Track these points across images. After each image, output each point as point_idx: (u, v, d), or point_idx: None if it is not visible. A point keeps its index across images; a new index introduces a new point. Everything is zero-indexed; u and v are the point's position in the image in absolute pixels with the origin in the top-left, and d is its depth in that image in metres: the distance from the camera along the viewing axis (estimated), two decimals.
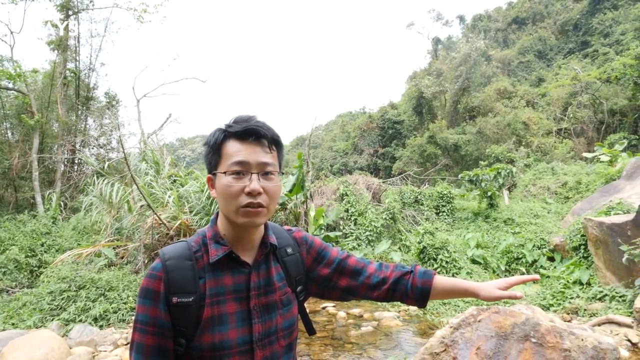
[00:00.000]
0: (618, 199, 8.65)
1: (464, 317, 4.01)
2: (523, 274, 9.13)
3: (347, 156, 30.09)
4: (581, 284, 7.11)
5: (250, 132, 1.16)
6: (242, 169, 1.15)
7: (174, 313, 1.12)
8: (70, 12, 14.95)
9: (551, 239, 9.34)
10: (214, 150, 1.19)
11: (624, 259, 6.16)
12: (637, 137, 21.31)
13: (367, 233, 9.96)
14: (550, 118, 25.72)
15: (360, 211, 10.54)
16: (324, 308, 7.97)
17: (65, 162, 14.34)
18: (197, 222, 9.26)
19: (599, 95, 23.85)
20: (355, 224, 10.32)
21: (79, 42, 15.52)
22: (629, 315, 5.83)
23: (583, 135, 23.65)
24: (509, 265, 9.42)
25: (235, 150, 1.16)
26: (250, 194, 1.13)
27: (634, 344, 5.29)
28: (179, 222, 9.05)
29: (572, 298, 6.76)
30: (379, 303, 8.11)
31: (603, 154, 17.08)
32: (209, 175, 1.23)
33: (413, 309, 7.67)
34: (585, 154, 18.32)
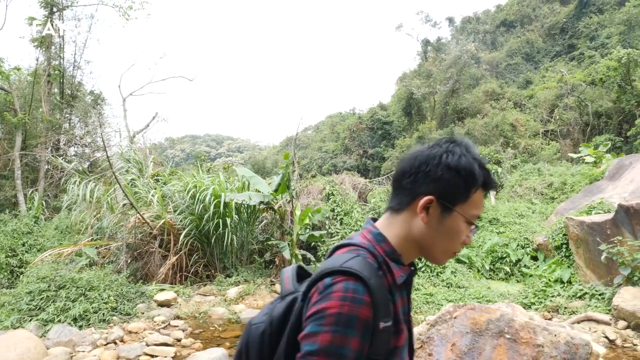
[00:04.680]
0: (600, 198, 8.75)
1: (440, 314, 4.01)
2: (507, 272, 9.19)
3: (336, 156, 30.11)
4: (562, 282, 7.17)
5: (493, 188, 1.13)
6: (475, 222, 1.11)
7: (375, 340, 0.99)
8: (54, 9, 14.78)
9: (535, 239, 9.41)
10: (465, 188, 1.06)
11: (602, 258, 6.22)
12: (621, 139, 21.59)
13: (353, 232, 9.94)
14: (537, 120, 25.97)
15: (346, 211, 10.53)
16: None
17: (49, 161, 14.18)
18: (180, 221, 9.19)
19: (584, 98, 24.14)
20: (341, 224, 10.31)
21: (63, 39, 15.37)
22: (608, 313, 5.89)
23: (569, 136, 23.91)
24: (494, 265, 9.48)
25: (479, 201, 1.10)
26: (463, 243, 1.11)
27: (611, 341, 5.35)
28: (162, 221, 8.98)
29: (553, 296, 6.81)
30: None
31: (588, 155, 17.28)
32: (432, 197, 1.06)
33: None
34: (571, 155, 18.53)
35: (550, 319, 6.23)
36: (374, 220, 1.17)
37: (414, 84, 30.13)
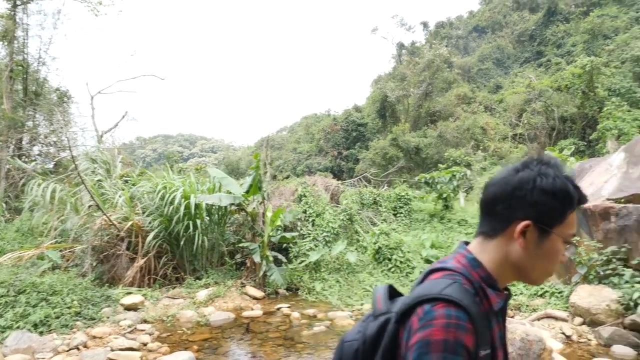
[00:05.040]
0: None
1: None
2: None
3: (310, 157, 30.16)
4: None
5: (585, 202, 1.11)
6: (572, 240, 1.11)
7: None
8: (17, 2, 14.32)
9: None
10: (561, 210, 1.06)
11: None
12: (585, 143, 22.35)
13: (325, 234, 10.00)
14: (506, 123, 26.64)
15: (318, 212, 10.57)
16: (278, 309, 7.95)
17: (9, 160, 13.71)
18: (149, 223, 9.05)
19: (551, 103, 24.88)
20: (313, 225, 10.34)
21: (27, 34, 14.89)
22: (566, 310, 6.10)
23: (536, 140, 24.59)
24: None
25: (574, 220, 1.09)
26: (560, 262, 1.10)
27: (567, 337, 5.54)
28: (130, 223, 8.82)
29: (515, 295, 7.01)
30: (333, 302, 8.16)
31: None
32: (529, 222, 1.05)
33: (366, 307, 7.75)
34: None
35: (512, 317, 6.41)
36: (466, 243, 1.16)
37: (388, 87, 30.48)
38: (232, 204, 9.38)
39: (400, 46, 42.25)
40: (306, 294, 8.55)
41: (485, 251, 1.11)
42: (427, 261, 9.61)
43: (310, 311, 7.74)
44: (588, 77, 24.16)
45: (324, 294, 8.41)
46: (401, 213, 12.34)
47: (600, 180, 9.36)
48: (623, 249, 5.98)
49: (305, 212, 10.55)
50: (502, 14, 42.56)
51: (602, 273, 5.99)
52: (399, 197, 12.54)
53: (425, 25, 45.27)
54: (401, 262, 8.82)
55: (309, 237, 9.93)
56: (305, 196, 10.89)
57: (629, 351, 5.15)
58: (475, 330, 0.97)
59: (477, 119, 25.89)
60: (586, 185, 9.82)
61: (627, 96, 23.86)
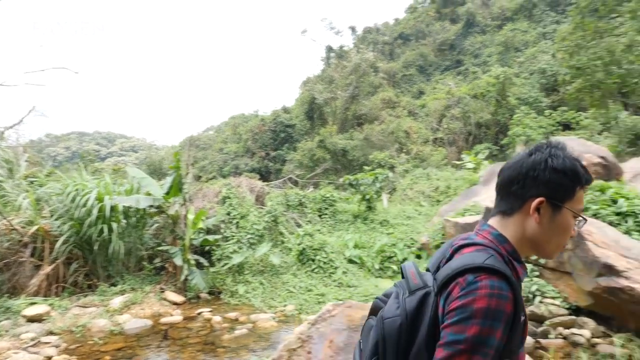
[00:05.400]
0: (474, 201, 9.67)
1: (321, 313, 4.14)
2: (394, 271, 9.76)
3: (238, 158, 29.72)
4: None
5: (591, 182, 1.24)
6: (582, 215, 1.22)
7: (514, 333, 1.09)
8: None
9: (419, 239, 10.12)
10: (571, 187, 1.19)
11: None
12: (498, 147, 24.09)
13: (249, 236, 9.89)
14: (428, 128, 27.98)
15: (242, 214, 10.43)
16: (199, 313, 7.74)
17: None
18: (58, 227, 8.41)
19: (468, 109, 26.50)
20: (237, 227, 10.18)
21: None
22: None
23: (455, 144, 26.08)
24: (383, 264, 10.00)
25: (582, 197, 1.22)
26: (571, 236, 1.22)
27: None
28: (36, 227, 8.15)
29: None
30: (257, 305, 8.09)
31: (469, 161, 19.04)
32: (543, 199, 1.18)
33: (289, 309, 7.77)
34: (454, 162, 20.25)
35: None
36: (486, 223, 1.27)
37: (316, 89, 30.84)
38: (152, 206, 8.99)
39: (329, 49, 42.94)
40: (229, 297, 8.40)
41: (506, 228, 1.22)
42: (351, 261, 9.83)
43: (232, 314, 7.62)
44: (501, 86, 26.08)
45: (247, 296, 8.31)
46: (326, 214, 12.52)
47: None
48: None
49: (229, 214, 10.36)
50: (426, 23, 44.73)
51: None
52: (324, 198, 12.72)
53: (353, 29, 46.41)
54: (324, 262, 8.95)
55: (233, 239, 9.76)
56: (229, 198, 10.69)
57: (529, 339, 5.62)
58: (515, 299, 1.07)
59: (401, 122, 26.95)
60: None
61: (535, 105, 26.01)
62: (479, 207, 8.95)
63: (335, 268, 8.92)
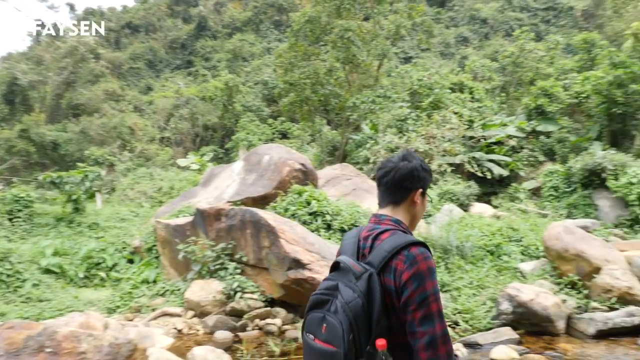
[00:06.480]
0: (190, 202, 9.75)
1: None
2: (102, 278, 8.91)
3: None
4: (149, 282, 7.54)
5: None
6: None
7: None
8: None
9: (132, 242, 9.55)
10: (430, 180, 1.73)
11: (180, 256, 6.91)
12: (223, 150, 25.28)
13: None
14: (155, 126, 27.04)
15: None
16: None
17: None
18: None
19: (196, 111, 26.89)
20: None
21: None
22: (181, 305, 6.55)
23: (182, 145, 26.04)
24: (89, 271, 8.98)
25: None
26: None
27: (179, 331, 5.96)
28: None
29: (138, 297, 7.05)
30: None
31: (194, 162, 19.32)
32: (421, 189, 1.68)
33: None
34: (178, 162, 20.17)
35: (132, 320, 6.39)
36: (376, 215, 1.68)
37: (20, 68, 25.94)
38: None
39: (42, 25, 36.54)
40: None
41: (397, 213, 1.66)
42: (48, 271, 8.49)
43: None
44: (229, 92, 27.46)
45: None
46: (19, 217, 10.50)
47: (224, 184, 10.60)
48: (230, 246, 6.91)
49: None
50: (157, 16, 43.23)
51: (212, 268, 6.75)
52: (17, 198, 10.62)
53: (72, 7, 41.07)
54: (8, 275, 7.43)
55: None
56: None
57: (228, 334, 5.95)
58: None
59: (126, 118, 25.21)
60: (213, 189, 10.94)
61: (258, 113, 28.43)
62: (192, 209, 9.06)
63: (23, 281, 7.52)
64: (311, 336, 1.50)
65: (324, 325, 1.45)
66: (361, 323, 1.42)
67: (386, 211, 1.67)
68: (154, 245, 8.32)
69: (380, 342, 1.41)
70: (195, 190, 11.92)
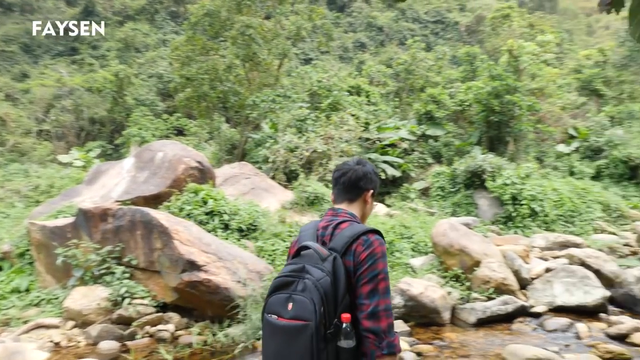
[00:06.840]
0: (71, 202, 8.89)
1: None
2: None
3: None
4: (20, 292, 6.72)
5: None
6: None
7: None
8: None
9: (1, 247, 8.45)
10: (379, 183, 2.04)
11: (59, 261, 6.26)
12: (112, 146, 23.48)
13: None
14: (32, 117, 24.31)
15: None
16: None
17: None
18: None
19: (81, 103, 24.66)
20: None
21: None
22: (60, 316, 5.94)
23: (64, 139, 23.73)
24: None
25: None
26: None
27: (56, 344, 5.40)
28: None
29: (7, 309, 6.24)
30: None
31: (78, 159, 17.67)
32: (372, 190, 1.98)
33: None
34: (60, 158, 18.35)
35: None
36: (333, 209, 1.95)
37: None
38: None
39: None
40: None
41: (352, 209, 1.93)
42: None
43: None
44: (119, 84, 25.59)
45: None
46: None
47: (112, 182, 9.85)
48: (118, 248, 6.41)
49: None
50: None
51: (97, 273, 6.20)
52: None
53: None
54: None
55: None
56: None
57: (114, 344, 5.49)
58: None
59: None
60: (99, 187, 10.12)
61: (152, 107, 26.87)
62: (74, 209, 8.26)
63: None
64: (274, 316, 1.64)
65: (290, 303, 1.61)
66: (330, 298, 1.61)
67: (343, 206, 1.95)
68: (28, 250, 7.41)
69: (346, 316, 1.61)
70: (78, 188, 10.94)
